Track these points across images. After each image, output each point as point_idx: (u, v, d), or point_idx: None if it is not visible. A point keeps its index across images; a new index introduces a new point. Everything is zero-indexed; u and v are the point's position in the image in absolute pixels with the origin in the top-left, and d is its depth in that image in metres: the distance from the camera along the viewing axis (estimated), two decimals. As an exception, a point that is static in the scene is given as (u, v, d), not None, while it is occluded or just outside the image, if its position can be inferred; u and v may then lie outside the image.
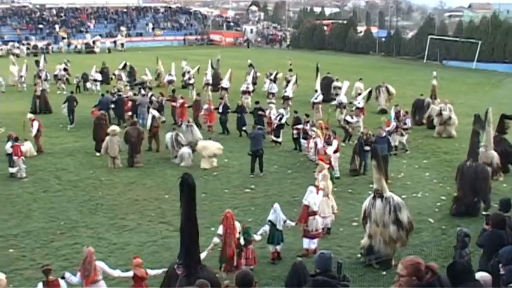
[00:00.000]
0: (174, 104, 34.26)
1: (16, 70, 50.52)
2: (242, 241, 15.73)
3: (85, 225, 19.80)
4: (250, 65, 48.24)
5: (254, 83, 43.62)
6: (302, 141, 28.80)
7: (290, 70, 44.85)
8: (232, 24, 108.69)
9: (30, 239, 18.73)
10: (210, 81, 43.60)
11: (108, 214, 20.81)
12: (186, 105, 34.31)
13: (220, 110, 33.01)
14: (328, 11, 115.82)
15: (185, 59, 52.37)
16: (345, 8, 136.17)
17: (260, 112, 31.55)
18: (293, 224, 17.34)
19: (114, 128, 26.93)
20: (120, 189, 23.67)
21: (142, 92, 37.26)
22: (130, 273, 13.83)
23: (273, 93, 39.58)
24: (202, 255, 14.05)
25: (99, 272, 13.60)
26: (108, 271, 13.87)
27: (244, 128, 32.30)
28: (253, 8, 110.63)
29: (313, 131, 27.06)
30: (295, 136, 29.40)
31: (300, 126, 28.95)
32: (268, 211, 17.25)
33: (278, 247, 16.90)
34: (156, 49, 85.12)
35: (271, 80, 42.25)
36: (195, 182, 12.97)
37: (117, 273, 14.03)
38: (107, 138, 26.61)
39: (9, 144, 25.35)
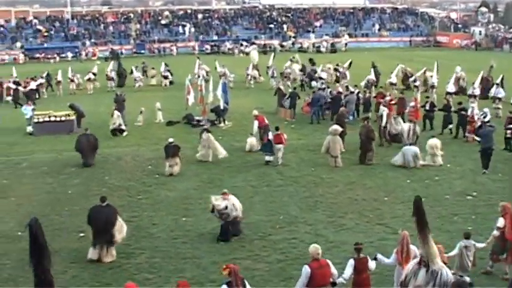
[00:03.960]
0: (381, 100, 34.19)
1: (298, 68, 52.13)
2: None
3: (304, 221, 20.09)
4: None
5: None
6: None
7: None
8: (460, 25, 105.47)
9: (250, 231, 19.31)
10: (435, 84, 42.66)
11: (327, 212, 20.95)
12: (392, 102, 34.26)
13: (427, 108, 33.27)
14: None
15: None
16: None
17: (463, 112, 31.24)
18: None
19: (336, 127, 27.04)
20: (340, 188, 23.74)
21: (351, 89, 37.71)
22: None
23: (499, 98, 38.00)
24: (480, 245, 14.93)
25: (413, 255, 13.76)
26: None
27: (450, 127, 32.32)
28: (483, 9, 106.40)
29: None
30: (507, 136, 28.70)
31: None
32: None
33: None
34: (381, 50, 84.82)
35: (497, 84, 40.46)
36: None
37: None
38: (328, 137, 26.82)
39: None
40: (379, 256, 14.13)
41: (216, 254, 17.59)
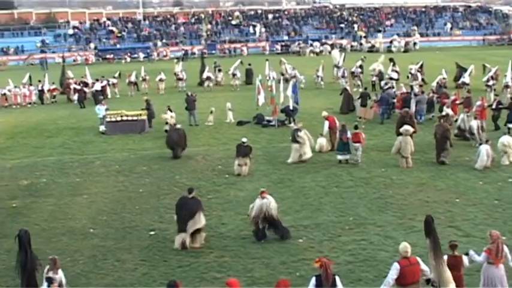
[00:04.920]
0: (445, 100, 33.73)
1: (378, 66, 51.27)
2: None
3: (373, 223, 19.86)
4: None
5: None
6: None
7: None
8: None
9: (319, 231, 19.21)
10: (510, 83, 41.76)
11: (397, 214, 20.64)
12: (457, 101, 33.74)
13: (493, 107, 32.74)
14: None
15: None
16: None
17: None
18: None
19: (407, 127, 26.63)
20: (411, 189, 23.35)
21: (416, 89, 37.35)
22: None
23: None
24: None
25: (504, 255, 13.71)
26: (509, 256, 13.79)
27: (511, 126, 31.35)
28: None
29: None
30: None
31: None
32: None
33: None
34: (453, 49, 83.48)
35: None
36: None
37: None
38: (400, 137, 26.44)
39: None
40: (471, 252, 13.80)
41: (285, 254, 17.56)
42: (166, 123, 34.32)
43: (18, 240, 14.01)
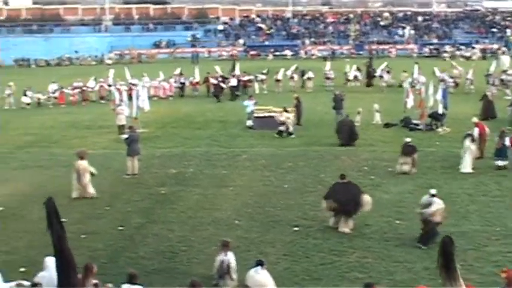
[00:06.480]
0: None
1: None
2: None
3: (521, 236, 19.27)
4: None
5: None
6: None
7: None
8: None
9: (464, 240, 18.72)
10: None
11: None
12: None
13: None
14: None
15: None
16: None
17: None
18: None
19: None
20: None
21: None
22: None
23: None
24: None
25: None
26: None
27: None
28: None
29: None
30: None
31: None
32: None
33: None
34: None
35: None
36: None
37: None
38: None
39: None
40: None
41: (429, 260, 17.23)
42: (283, 123, 34.51)
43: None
